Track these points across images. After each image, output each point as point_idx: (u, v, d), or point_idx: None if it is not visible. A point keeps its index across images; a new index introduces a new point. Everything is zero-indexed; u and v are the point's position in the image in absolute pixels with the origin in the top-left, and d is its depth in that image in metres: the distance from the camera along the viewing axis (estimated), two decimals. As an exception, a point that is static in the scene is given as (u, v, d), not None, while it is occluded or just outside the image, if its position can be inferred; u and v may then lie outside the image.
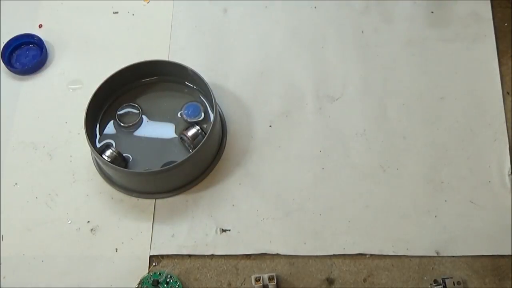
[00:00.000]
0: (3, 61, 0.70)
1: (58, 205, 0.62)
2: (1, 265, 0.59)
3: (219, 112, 0.65)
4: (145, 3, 0.74)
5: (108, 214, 0.62)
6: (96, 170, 0.64)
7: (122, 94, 0.66)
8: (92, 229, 0.61)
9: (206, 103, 0.65)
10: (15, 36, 0.71)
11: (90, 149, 0.61)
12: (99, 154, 0.60)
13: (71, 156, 0.65)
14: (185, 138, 0.62)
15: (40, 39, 0.71)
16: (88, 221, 0.61)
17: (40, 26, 0.73)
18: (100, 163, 0.61)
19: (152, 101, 0.66)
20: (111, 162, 0.60)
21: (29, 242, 0.60)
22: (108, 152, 0.61)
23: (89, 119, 0.62)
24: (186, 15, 0.73)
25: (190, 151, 0.61)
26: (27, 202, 0.62)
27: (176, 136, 0.64)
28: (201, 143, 0.60)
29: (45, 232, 0.61)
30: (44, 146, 0.65)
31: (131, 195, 0.62)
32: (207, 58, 0.70)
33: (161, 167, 0.61)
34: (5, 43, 0.71)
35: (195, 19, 0.72)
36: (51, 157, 0.65)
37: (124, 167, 0.61)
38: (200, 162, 0.62)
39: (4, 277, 0.59)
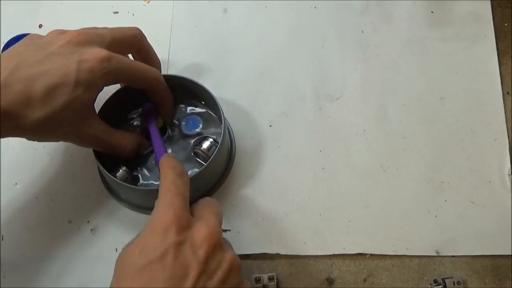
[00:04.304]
0: (3, 61, 0.70)
1: (58, 205, 0.62)
2: (1, 265, 0.59)
3: (227, 125, 0.62)
4: (145, 3, 0.74)
5: (108, 214, 0.62)
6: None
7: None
8: (92, 229, 0.61)
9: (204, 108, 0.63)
10: (15, 36, 0.71)
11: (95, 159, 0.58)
12: (107, 171, 0.56)
13: (71, 156, 0.65)
14: (200, 152, 0.59)
15: (40, 39, 0.71)
16: (88, 221, 0.61)
17: (40, 26, 0.73)
18: (110, 182, 0.59)
19: None
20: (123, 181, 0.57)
21: (29, 242, 0.60)
22: (120, 173, 0.58)
23: None
24: (186, 15, 0.73)
25: (205, 164, 0.58)
26: (27, 202, 0.62)
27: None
28: (213, 155, 0.57)
29: (45, 232, 0.61)
30: (44, 146, 0.65)
31: (143, 213, 0.60)
32: (207, 58, 0.70)
33: None
34: (5, 43, 0.70)
35: (195, 19, 0.72)
36: (51, 157, 0.65)
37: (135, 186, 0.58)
38: (213, 173, 0.60)
39: (4, 277, 0.59)
